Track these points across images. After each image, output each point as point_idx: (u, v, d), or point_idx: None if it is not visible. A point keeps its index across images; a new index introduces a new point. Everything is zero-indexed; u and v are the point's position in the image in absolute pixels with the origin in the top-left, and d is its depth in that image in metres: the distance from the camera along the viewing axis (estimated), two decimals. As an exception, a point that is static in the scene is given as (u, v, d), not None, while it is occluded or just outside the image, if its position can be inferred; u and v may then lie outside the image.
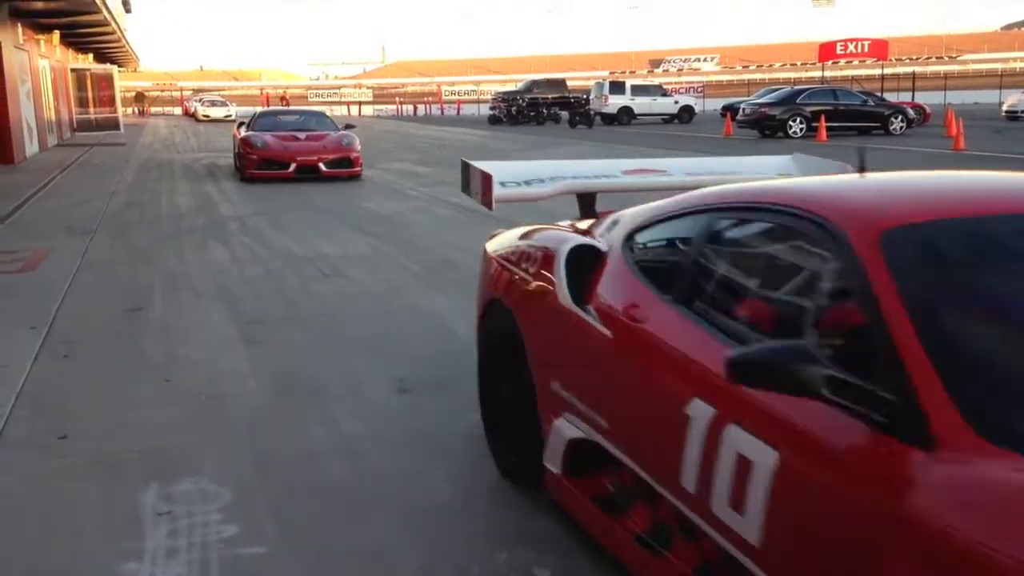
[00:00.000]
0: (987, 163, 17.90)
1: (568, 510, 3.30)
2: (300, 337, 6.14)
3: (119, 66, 47.39)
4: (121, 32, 36.63)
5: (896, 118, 28.08)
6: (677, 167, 4.99)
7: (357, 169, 16.91)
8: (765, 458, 2.11)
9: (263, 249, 9.67)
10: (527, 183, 4.51)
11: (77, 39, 34.67)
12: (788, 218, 2.55)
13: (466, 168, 4.65)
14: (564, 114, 40.30)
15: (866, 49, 54.35)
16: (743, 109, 29.66)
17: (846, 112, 28.01)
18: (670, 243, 3.19)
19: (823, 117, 26.73)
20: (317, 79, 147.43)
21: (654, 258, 3.22)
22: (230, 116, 52.90)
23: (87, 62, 41.30)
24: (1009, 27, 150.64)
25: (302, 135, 17.20)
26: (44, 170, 19.39)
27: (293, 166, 16.41)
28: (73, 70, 36.18)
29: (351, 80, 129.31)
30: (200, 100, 59.16)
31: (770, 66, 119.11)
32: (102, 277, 8.36)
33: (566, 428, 3.23)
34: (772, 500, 2.08)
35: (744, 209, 2.86)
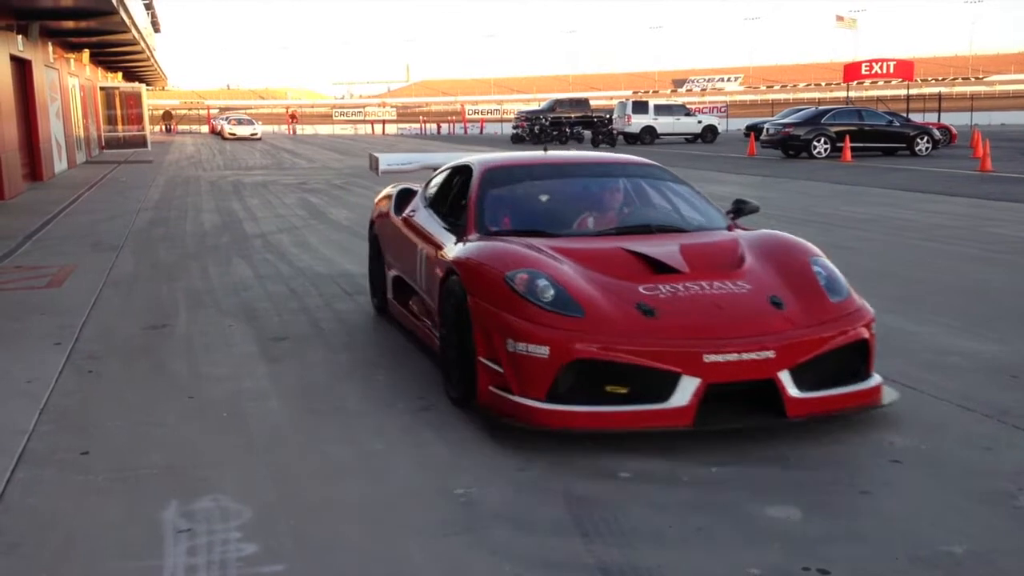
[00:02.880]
0: (1014, 184, 17.73)
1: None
2: (320, 355, 6.15)
3: (148, 84, 47.98)
4: (150, 51, 37.08)
5: (922, 139, 27.88)
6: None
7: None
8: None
9: (285, 266, 9.71)
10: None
11: (107, 58, 35.14)
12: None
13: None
14: (587, 133, 40.34)
15: (891, 70, 54.09)
16: (767, 129, 29.55)
17: (871, 133, 27.85)
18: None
19: (848, 137, 26.60)
20: (342, 98, 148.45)
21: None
22: (256, 134, 53.49)
23: (116, 80, 41.82)
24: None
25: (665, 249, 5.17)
26: (72, 187, 19.60)
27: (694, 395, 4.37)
28: (102, 88, 36.64)
29: (376, 99, 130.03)
30: (227, 118, 59.91)
31: (794, 86, 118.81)
32: (127, 293, 8.42)
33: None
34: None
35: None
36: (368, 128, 75.42)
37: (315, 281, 8.81)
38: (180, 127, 78.50)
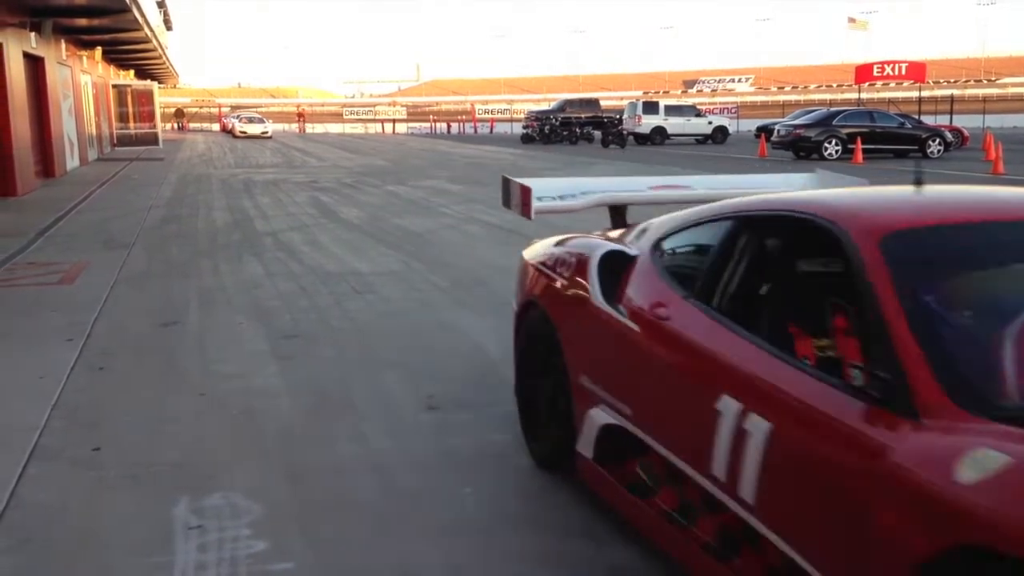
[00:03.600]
0: (1026, 187, 17.66)
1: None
2: (329, 353, 6.16)
3: (159, 82, 48.08)
4: (162, 49, 37.19)
5: (934, 141, 27.79)
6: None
7: None
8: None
9: (296, 264, 9.74)
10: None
11: (119, 55, 35.24)
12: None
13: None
14: (597, 134, 40.28)
15: (903, 71, 53.89)
16: (778, 130, 29.50)
17: (883, 134, 27.77)
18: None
19: (859, 139, 26.53)
20: (352, 97, 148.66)
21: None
22: (267, 132, 53.59)
23: (128, 78, 41.95)
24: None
25: None
26: (83, 184, 19.67)
27: None
28: (114, 86, 36.77)
29: (386, 98, 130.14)
30: (238, 117, 59.91)
31: (805, 87, 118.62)
32: (139, 290, 8.45)
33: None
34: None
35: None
36: (378, 127, 75.56)
37: (325, 279, 8.83)
38: (191, 125, 78.91)
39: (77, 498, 3.88)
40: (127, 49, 32.71)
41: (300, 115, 76.76)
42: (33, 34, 19.08)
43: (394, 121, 76.59)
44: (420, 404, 5.02)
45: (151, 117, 37.83)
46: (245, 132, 53.48)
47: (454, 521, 3.62)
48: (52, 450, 4.42)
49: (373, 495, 3.88)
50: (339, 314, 7.36)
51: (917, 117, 33.32)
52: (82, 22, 23.30)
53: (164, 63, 43.51)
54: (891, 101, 50.55)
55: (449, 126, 69.71)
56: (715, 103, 72.07)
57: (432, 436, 4.55)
